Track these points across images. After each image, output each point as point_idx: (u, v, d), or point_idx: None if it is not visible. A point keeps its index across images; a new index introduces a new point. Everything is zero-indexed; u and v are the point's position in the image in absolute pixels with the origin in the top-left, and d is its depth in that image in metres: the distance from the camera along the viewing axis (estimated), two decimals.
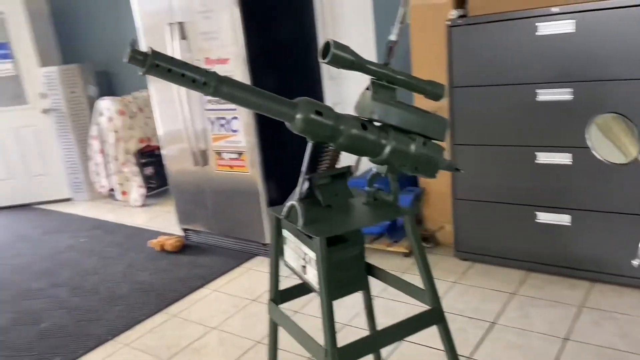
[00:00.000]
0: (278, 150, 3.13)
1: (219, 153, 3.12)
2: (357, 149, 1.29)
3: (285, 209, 1.35)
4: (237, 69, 2.86)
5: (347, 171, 1.46)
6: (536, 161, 2.47)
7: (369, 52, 3.41)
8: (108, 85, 5.17)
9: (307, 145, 1.29)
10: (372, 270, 1.57)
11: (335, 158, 1.53)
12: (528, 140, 2.47)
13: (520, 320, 2.25)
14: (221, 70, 2.93)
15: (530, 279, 2.56)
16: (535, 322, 2.22)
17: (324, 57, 1.25)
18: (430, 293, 1.35)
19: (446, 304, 2.43)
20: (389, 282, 1.51)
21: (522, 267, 2.66)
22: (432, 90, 1.40)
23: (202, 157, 3.21)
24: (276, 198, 3.10)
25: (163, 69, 1.07)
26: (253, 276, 2.97)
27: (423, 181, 3.02)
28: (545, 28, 2.30)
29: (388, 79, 1.33)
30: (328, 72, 3.48)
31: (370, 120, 1.30)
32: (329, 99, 3.48)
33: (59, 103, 4.70)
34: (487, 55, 2.49)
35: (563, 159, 2.40)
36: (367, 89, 1.34)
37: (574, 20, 2.23)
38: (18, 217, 4.73)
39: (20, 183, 4.99)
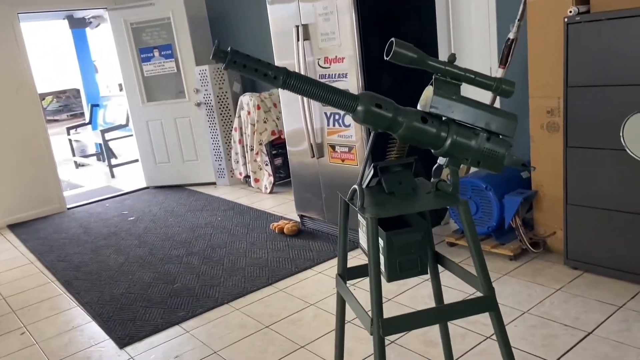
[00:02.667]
0: (385, 147, 3.25)
1: (332, 147, 3.34)
2: (417, 140, 1.40)
3: (349, 193, 1.50)
4: (352, 68, 3.05)
5: (414, 162, 1.56)
6: None
7: (490, 51, 3.36)
8: (251, 83, 5.72)
9: (371, 134, 1.42)
10: (440, 259, 1.65)
11: (403, 149, 1.64)
12: None
13: (621, 333, 2.11)
14: (337, 69, 3.14)
15: None
16: (637, 336, 2.07)
17: (387, 55, 1.38)
18: (482, 280, 1.40)
19: (543, 310, 2.37)
20: (454, 270, 1.58)
21: (635, 280, 2.46)
22: (499, 87, 1.44)
23: (318, 150, 3.46)
24: None
25: (239, 64, 1.29)
26: (356, 263, 3.14)
27: (536, 184, 2.92)
28: None
29: (451, 75, 1.41)
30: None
31: (431, 114, 1.40)
32: None
33: (209, 97, 5.32)
34: (607, 54, 2.35)
35: None
36: (431, 84, 1.43)
37: None
38: (172, 195, 5.46)
39: (176, 166, 5.75)
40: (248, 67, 1.30)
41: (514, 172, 3.06)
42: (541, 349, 2.09)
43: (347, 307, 1.65)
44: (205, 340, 2.51)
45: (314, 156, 3.50)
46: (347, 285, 1.63)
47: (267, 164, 4.96)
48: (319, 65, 3.27)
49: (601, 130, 2.44)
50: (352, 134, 3.18)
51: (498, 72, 2.99)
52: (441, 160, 1.48)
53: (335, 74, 3.17)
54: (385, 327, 1.33)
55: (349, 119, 3.17)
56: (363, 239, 1.68)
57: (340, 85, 3.15)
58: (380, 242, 1.50)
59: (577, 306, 2.37)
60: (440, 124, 1.39)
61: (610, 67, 2.36)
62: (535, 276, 2.69)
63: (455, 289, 2.66)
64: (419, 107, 1.45)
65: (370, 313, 1.37)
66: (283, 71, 1.31)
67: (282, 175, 5.09)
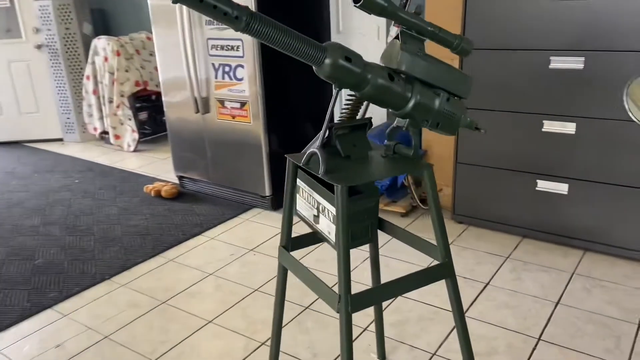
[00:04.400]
0: (282, 102, 3.09)
1: (221, 102, 3.08)
2: (382, 100, 1.28)
3: (305, 157, 1.34)
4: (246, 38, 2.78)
5: (368, 123, 1.44)
6: (542, 129, 2.48)
7: None
8: (104, 24, 5.01)
9: (333, 92, 1.27)
10: (382, 224, 1.59)
11: (356, 108, 1.52)
12: (536, 108, 2.47)
13: (513, 282, 2.30)
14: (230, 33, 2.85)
15: (524, 245, 2.62)
16: (527, 285, 2.28)
17: (356, 1, 1.22)
18: (442, 247, 1.37)
19: None
20: (399, 236, 1.53)
21: (518, 232, 2.71)
22: (460, 45, 1.38)
23: (203, 105, 3.16)
24: (277, 151, 3.09)
25: None
26: (251, 227, 2.98)
27: (427, 144, 3.02)
28: None
29: (418, 29, 1.30)
30: (337, 27, 3.41)
31: (397, 72, 1.29)
32: None
33: (53, 39, 4.55)
34: (503, 18, 2.45)
35: (567, 128, 2.41)
36: (397, 38, 1.32)
37: None
38: (8, 153, 4.64)
39: (10, 119, 4.88)
40: (205, 3, 1.04)
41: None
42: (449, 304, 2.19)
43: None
44: (91, 323, 2.18)
45: (198, 111, 3.19)
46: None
47: (130, 119, 4.44)
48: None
49: (494, 93, 2.57)
50: (244, 88, 2.94)
51: (392, 31, 2.97)
52: (400, 122, 1.38)
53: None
54: (354, 304, 1.23)
55: (241, 72, 2.92)
56: (302, 206, 1.54)
57: (232, 34, 2.87)
58: (331, 209, 1.38)
59: (470, 258, 2.53)
60: (405, 82, 1.29)
61: (506, 31, 2.47)
62: (427, 231, 2.81)
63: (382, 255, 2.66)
64: (381, 63, 1.33)
65: (335, 289, 1.26)
66: (246, 11, 1.08)
67: (148, 132, 4.63)
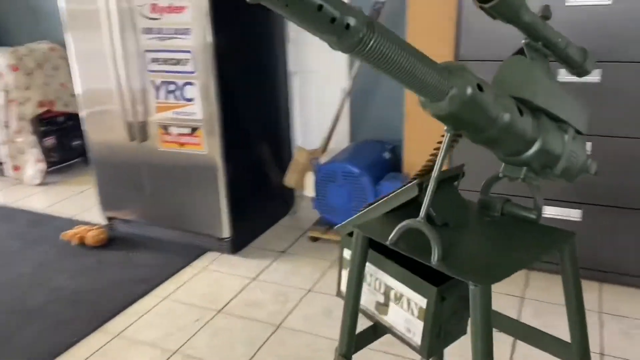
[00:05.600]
0: (240, 125, 2.59)
1: (164, 127, 2.51)
2: (499, 143, 0.87)
3: (395, 233, 0.89)
4: (196, 23, 2.26)
5: (461, 173, 1.04)
6: None
7: None
8: None
9: (446, 138, 0.83)
10: None
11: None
12: None
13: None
14: (174, 22, 2.31)
15: (534, 281, 2.34)
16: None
17: (485, 1, 0.81)
18: (580, 347, 0.98)
19: None
20: (506, 328, 1.12)
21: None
22: (583, 63, 1.01)
23: (140, 131, 2.56)
24: (237, 183, 2.58)
25: None
26: (211, 278, 2.44)
27: (409, 166, 2.67)
28: None
29: (546, 40, 0.92)
30: (288, 35, 2.97)
31: (526, 103, 0.89)
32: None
33: None
34: (504, 26, 2.15)
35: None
36: (519, 53, 0.92)
37: None
38: None
39: None
40: (306, 1, 0.57)
41: (376, 152, 2.76)
42: None
43: None
44: None
45: (133, 139, 2.59)
46: None
47: (33, 146, 3.67)
48: (142, 15, 2.35)
49: None
50: (196, 110, 2.40)
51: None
52: (509, 171, 0.98)
53: (168, 30, 2.32)
54: None
55: (191, 91, 2.38)
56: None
57: (179, 45, 2.32)
58: (418, 300, 0.96)
59: None
60: (532, 116, 0.90)
61: (507, 40, 2.17)
62: None
63: None
64: (495, 88, 0.92)
65: None
66: (364, 19, 0.63)
67: (55, 160, 3.86)
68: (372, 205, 1.05)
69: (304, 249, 2.69)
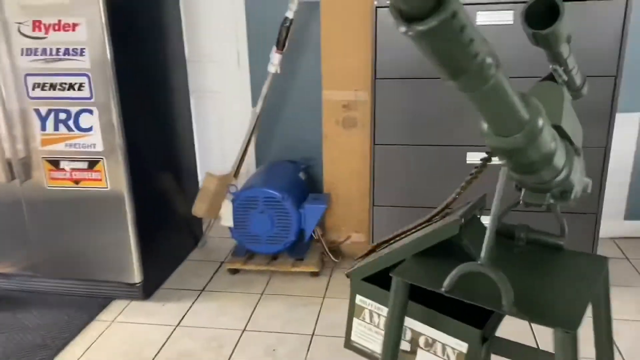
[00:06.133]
0: (147, 155, 2.32)
1: (54, 162, 2.15)
2: (544, 173, 0.84)
3: (450, 278, 0.80)
4: (93, 41, 1.97)
5: (484, 202, 0.99)
6: (466, 161, 2.31)
7: (236, 29, 2.80)
8: None
9: (501, 173, 0.77)
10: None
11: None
12: (459, 140, 2.29)
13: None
14: (64, 40, 1.99)
15: None
16: None
17: (542, 25, 0.77)
18: None
19: None
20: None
21: None
22: (581, 87, 1.03)
23: (22, 169, 2.16)
24: (148, 220, 2.30)
25: (457, 25, 0.46)
26: (125, 332, 2.13)
27: (329, 186, 2.61)
28: (484, 17, 2.13)
29: (566, 67, 0.91)
30: (187, 55, 2.75)
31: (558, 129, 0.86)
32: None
33: None
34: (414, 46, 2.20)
35: (493, 159, 2.28)
36: (548, 78, 0.90)
37: (512, 11, 2.10)
38: None
39: None
40: (465, 34, 0.47)
41: (291, 174, 2.67)
42: None
43: None
44: None
45: (13, 178, 2.18)
46: None
47: None
48: (20, 32, 1.99)
49: (411, 126, 2.31)
50: (95, 141, 2.09)
51: (274, 58, 2.49)
52: (530, 198, 0.96)
53: (57, 50, 1.99)
54: None
55: (88, 120, 2.07)
56: (366, 334, 0.99)
57: (71, 68, 2.00)
58: (457, 345, 0.88)
59: None
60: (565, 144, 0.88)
61: (421, 58, 2.22)
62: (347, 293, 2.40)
63: None
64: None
65: None
66: (495, 55, 0.54)
67: None
68: (393, 244, 0.96)
69: (225, 283, 2.49)
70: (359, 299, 1.02)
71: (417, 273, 0.87)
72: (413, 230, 0.95)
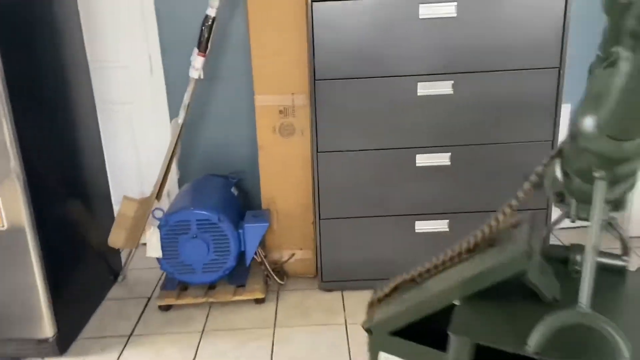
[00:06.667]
0: (49, 182, 1.93)
1: None
2: (623, 181, 0.68)
3: (543, 333, 0.60)
4: None
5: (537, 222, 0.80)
6: (416, 164, 2.17)
7: (149, 35, 2.46)
8: None
9: (598, 189, 0.58)
10: None
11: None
12: (408, 142, 2.15)
13: None
14: None
15: None
16: None
17: None
18: None
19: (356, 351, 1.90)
20: None
21: None
22: None
23: None
24: (55, 259, 1.91)
25: None
26: None
27: (267, 201, 2.35)
28: (427, 9, 2.00)
29: None
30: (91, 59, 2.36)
31: None
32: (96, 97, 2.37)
33: None
34: (359, 40, 2.03)
35: (442, 159, 2.17)
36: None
37: (454, 4, 1.99)
38: None
39: None
40: None
41: (223, 190, 2.38)
42: None
43: None
44: None
45: None
46: None
47: None
48: None
49: (355, 130, 2.13)
50: None
51: (197, 61, 2.20)
52: (583, 212, 0.79)
53: None
54: None
55: None
56: None
57: None
58: None
59: None
60: None
61: (364, 55, 2.05)
62: (309, 316, 2.17)
63: None
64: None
65: None
66: None
67: None
68: (424, 285, 0.75)
69: (156, 323, 2.15)
70: (383, 357, 0.80)
71: (482, 327, 0.66)
72: (443, 266, 0.74)
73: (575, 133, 0.58)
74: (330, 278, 2.31)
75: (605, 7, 0.60)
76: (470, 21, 2.00)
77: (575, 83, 2.08)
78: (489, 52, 2.04)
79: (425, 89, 2.08)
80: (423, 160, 2.16)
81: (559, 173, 0.68)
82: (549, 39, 2.03)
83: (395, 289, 0.79)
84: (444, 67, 2.05)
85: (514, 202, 0.72)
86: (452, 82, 2.07)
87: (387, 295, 0.79)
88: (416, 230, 2.24)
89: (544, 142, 2.15)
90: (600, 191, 0.57)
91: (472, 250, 0.73)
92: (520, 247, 0.67)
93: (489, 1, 1.99)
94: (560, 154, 0.65)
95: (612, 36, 0.71)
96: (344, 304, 2.23)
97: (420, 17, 2.00)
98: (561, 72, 2.06)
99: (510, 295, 0.69)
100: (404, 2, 1.98)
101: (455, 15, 1.99)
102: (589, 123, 0.51)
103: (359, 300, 2.24)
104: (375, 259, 2.28)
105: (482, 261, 0.70)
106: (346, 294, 2.30)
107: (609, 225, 0.77)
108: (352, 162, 2.16)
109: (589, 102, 0.53)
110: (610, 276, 0.78)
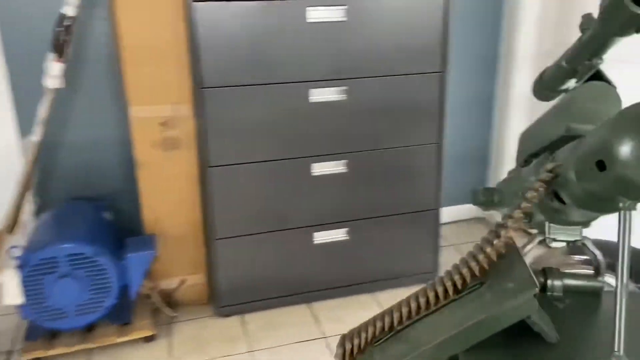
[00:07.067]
0: None
1: None
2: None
3: None
4: None
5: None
6: (312, 174, 2.08)
7: None
8: None
9: (624, 220, 0.51)
10: None
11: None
12: (302, 151, 2.05)
13: None
14: None
15: (324, 310, 2.18)
16: None
17: None
18: None
19: None
20: None
21: (308, 299, 2.23)
22: None
23: None
24: None
25: None
26: None
27: (149, 224, 2.08)
28: (316, 13, 1.92)
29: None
30: None
31: None
32: None
33: None
34: (247, 44, 1.88)
35: (338, 167, 2.11)
36: (595, 78, 0.68)
37: (345, 7, 1.94)
38: None
39: None
40: None
41: (93, 216, 2.08)
42: None
43: None
44: None
45: None
46: None
47: None
48: None
49: (248, 141, 1.98)
50: None
51: (53, 69, 1.87)
52: (561, 234, 0.73)
53: None
54: None
55: None
56: None
57: None
58: None
59: (289, 357, 1.92)
60: None
61: (253, 60, 1.91)
62: (207, 349, 1.96)
63: None
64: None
65: None
66: None
67: None
68: (410, 333, 0.64)
69: None
70: None
71: None
72: (427, 310, 0.64)
73: (587, 157, 0.50)
74: (227, 302, 2.13)
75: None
76: (360, 26, 1.96)
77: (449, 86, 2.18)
78: (379, 58, 2.02)
79: (317, 95, 1.99)
80: (319, 169, 2.08)
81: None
82: (433, 44, 2.06)
83: (371, 341, 0.67)
84: (335, 73, 1.99)
85: (503, 228, 0.64)
86: (346, 87, 2.01)
87: (360, 351, 0.67)
88: (315, 242, 2.16)
89: (432, 145, 2.19)
90: (628, 223, 0.51)
91: (461, 290, 0.64)
92: (528, 285, 0.59)
93: (377, 6, 1.96)
94: (551, 178, 0.58)
95: (586, 49, 0.67)
96: (245, 329, 2.07)
97: (309, 21, 1.91)
98: (444, 75, 2.11)
99: (508, 335, 0.61)
100: (291, 5, 1.88)
101: (345, 19, 1.93)
102: (631, 150, 0.44)
103: (260, 324, 2.10)
104: (275, 276, 2.15)
105: (482, 305, 0.61)
106: (247, 317, 2.13)
107: (583, 246, 0.73)
108: (246, 175, 2.00)
109: (628, 124, 0.45)
110: (585, 298, 0.74)
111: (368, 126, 2.09)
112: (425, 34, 2.05)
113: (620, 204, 0.50)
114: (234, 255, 2.08)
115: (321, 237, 2.16)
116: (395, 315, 0.68)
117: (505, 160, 2.81)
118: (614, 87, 0.70)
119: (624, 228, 0.52)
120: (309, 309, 2.19)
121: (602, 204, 0.54)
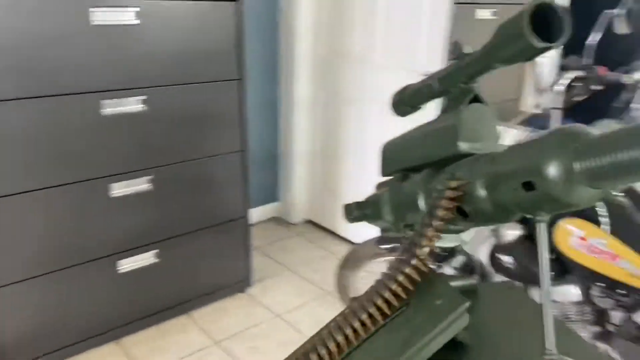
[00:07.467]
0: None
1: None
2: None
3: None
4: None
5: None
6: (112, 195, 1.85)
7: None
8: None
9: (543, 232, 0.56)
10: None
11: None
12: (98, 171, 1.80)
13: None
14: None
15: (137, 345, 1.96)
16: None
17: (551, 37, 0.58)
18: None
19: None
20: None
21: (117, 336, 1.97)
22: None
23: None
24: None
25: None
26: None
27: None
28: (101, 15, 1.69)
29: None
30: None
31: None
32: None
33: None
34: (13, 51, 1.56)
35: (142, 185, 1.92)
36: (473, 101, 0.72)
37: (136, 9, 1.76)
38: None
39: None
40: None
41: None
42: None
43: None
44: None
45: None
46: None
47: None
48: None
49: (27, 165, 1.65)
50: None
51: None
52: (450, 241, 0.79)
53: None
54: None
55: None
56: None
57: None
58: None
59: None
60: None
61: (30, 70, 1.59)
62: None
63: None
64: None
65: None
66: None
67: None
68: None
69: None
70: None
71: None
72: (357, 339, 0.63)
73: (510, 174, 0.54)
74: (14, 357, 1.75)
75: None
76: (154, 31, 1.80)
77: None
78: (176, 64, 1.89)
79: (111, 107, 1.77)
80: (119, 189, 1.85)
81: (422, 202, 0.66)
82: (229, 51, 2.02)
83: None
84: (132, 82, 1.79)
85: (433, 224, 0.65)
86: (144, 97, 1.83)
87: None
88: (120, 271, 1.93)
89: (236, 153, 2.16)
90: (544, 234, 0.58)
91: (388, 314, 0.64)
92: (458, 301, 0.62)
93: (171, 10, 1.83)
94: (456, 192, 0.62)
95: (464, 72, 0.73)
96: None
97: (93, 23, 1.67)
98: (243, 83, 2.09)
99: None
100: (70, 4, 1.61)
101: (138, 22, 1.75)
102: (561, 171, 0.48)
103: None
104: (75, 317, 1.86)
105: (415, 328, 0.61)
106: None
107: (461, 250, 0.81)
108: (30, 206, 1.66)
109: (557, 146, 0.50)
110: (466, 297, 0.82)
111: (171, 138, 1.95)
112: (220, 40, 1.99)
113: (537, 217, 0.55)
114: (20, 302, 1.71)
115: (127, 264, 1.94)
116: (322, 350, 0.64)
117: (294, 159, 2.94)
118: (490, 108, 0.78)
119: (541, 236, 0.58)
120: (118, 346, 1.95)
121: (512, 217, 0.58)
